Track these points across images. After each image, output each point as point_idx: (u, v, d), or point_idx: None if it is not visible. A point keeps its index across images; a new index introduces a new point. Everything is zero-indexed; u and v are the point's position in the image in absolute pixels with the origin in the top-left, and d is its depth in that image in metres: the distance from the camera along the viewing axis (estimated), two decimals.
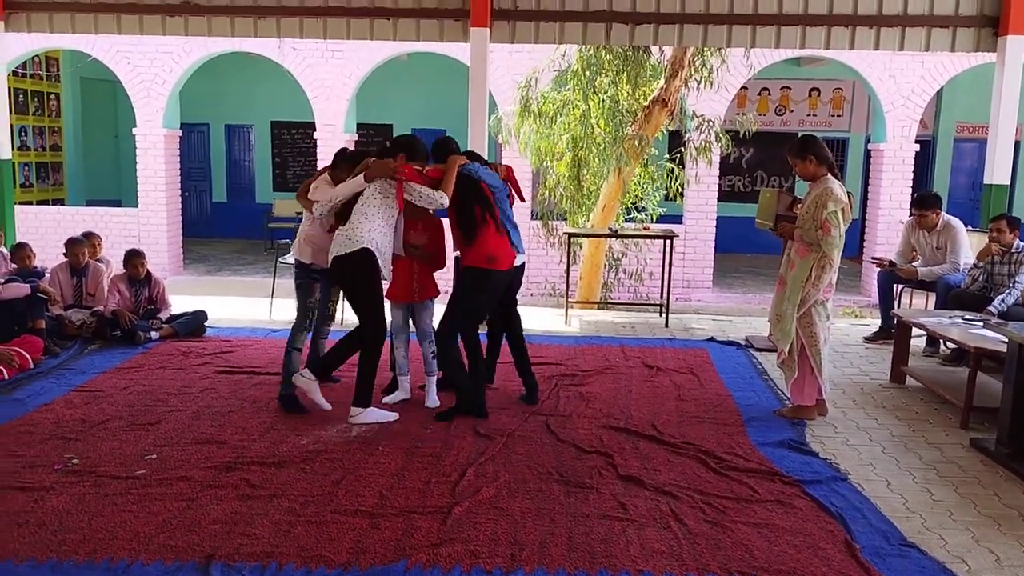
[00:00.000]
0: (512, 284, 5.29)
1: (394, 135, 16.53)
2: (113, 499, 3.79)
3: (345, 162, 5.06)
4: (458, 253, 5.11)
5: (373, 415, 4.90)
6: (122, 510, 3.68)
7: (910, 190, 12.51)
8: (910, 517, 3.81)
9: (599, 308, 9.68)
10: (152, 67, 12.84)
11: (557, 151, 9.98)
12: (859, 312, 10.66)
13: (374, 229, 4.76)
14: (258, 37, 8.41)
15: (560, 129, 9.83)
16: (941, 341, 6.61)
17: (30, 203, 13.74)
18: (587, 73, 9.64)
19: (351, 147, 13.07)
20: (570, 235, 8.45)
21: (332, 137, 13.00)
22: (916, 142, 12.68)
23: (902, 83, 12.43)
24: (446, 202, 4.79)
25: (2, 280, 6.50)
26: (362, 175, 4.76)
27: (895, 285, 7.43)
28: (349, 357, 5.00)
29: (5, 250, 7.35)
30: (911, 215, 7.38)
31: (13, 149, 11.20)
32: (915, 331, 6.13)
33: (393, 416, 4.95)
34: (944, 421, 5.23)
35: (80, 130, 15.80)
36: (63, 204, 14.71)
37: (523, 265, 5.34)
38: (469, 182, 4.91)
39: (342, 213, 4.87)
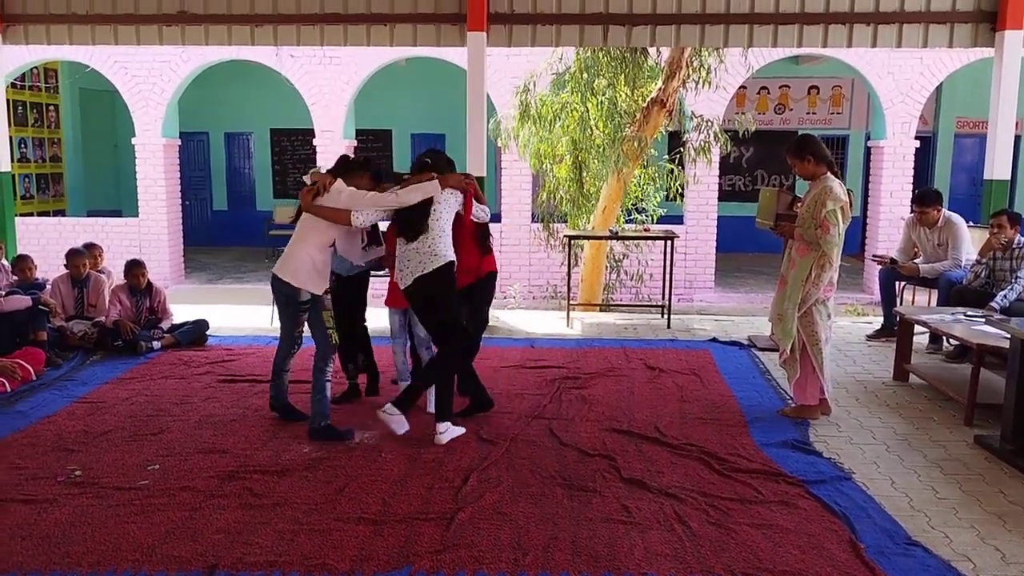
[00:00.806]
0: None
1: (393, 140, 16.57)
2: (116, 510, 3.78)
3: (360, 169, 4.91)
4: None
5: (454, 431, 4.75)
6: (125, 521, 3.67)
7: (911, 187, 12.48)
8: (915, 515, 3.80)
9: (601, 310, 9.67)
10: (150, 77, 12.85)
11: (557, 154, 9.98)
12: (861, 310, 10.64)
13: (449, 244, 4.73)
14: (255, 45, 8.42)
15: (559, 132, 9.82)
16: (944, 338, 6.58)
17: (31, 215, 13.76)
18: (585, 75, 9.64)
19: (351, 153, 13.13)
20: (571, 237, 8.45)
21: (331, 143, 13.00)
22: (916, 138, 12.66)
23: (901, 80, 12.41)
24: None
25: (3, 292, 6.51)
26: (436, 183, 4.64)
27: (897, 282, 7.42)
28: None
29: (6, 262, 7.35)
30: (912, 212, 7.37)
31: (13, 161, 11.22)
32: (918, 328, 6.12)
33: (461, 430, 4.82)
34: (948, 418, 5.21)
35: (80, 141, 15.81)
36: (64, 215, 14.72)
37: None
38: None
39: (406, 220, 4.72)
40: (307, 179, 4.85)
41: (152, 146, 13.00)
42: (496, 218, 6.70)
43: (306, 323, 4.93)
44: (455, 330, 4.73)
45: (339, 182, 4.80)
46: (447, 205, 4.73)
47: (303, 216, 4.85)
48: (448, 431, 4.70)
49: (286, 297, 4.84)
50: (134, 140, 13.09)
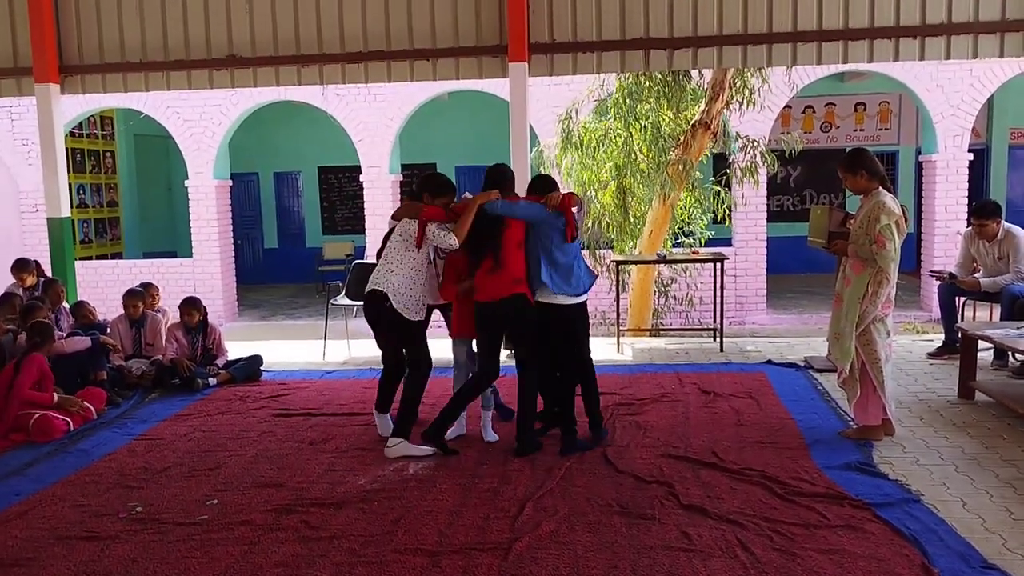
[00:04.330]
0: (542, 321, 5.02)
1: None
2: (177, 546, 3.82)
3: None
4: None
5: (411, 449, 4.94)
6: (186, 556, 3.70)
7: (966, 200, 12.21)
8: (989, 538, 3.65)
9: (651, 335, 9.58)
10: (201, 120, 13.20)
11: (601, 180, 9.97)
12: (920, 328, 10.38)
13: (392, 272, 4.93)
14: (302, 85, 8.58)
15: (603, 158, 9.82)
16: (1010, 353, 6.38)
17: (90, 258, 14.15)
18: (627, 101, 9.64)
19: (397, 188, 13.31)
20: (618, 263, 8.40)
21: (378, 179, 13.19)
22: (969, 151, 12.39)
23: (951, 92, 12.20)
24: (455, 244, 4.84)
25: (64, 334, 6.68)
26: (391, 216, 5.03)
27: (957, 297, 7.22)
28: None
29: (67, 306, 7.55)
30: (969, 225, 7.19)
31: (72, 207, 11.56)
32: (981, 344, 5.94)
33: (428, 450, 4.93)
34: (1019, 436, 5.03)
35: (135, 185, 16.27)
36: (121, 258, 15.11)
37: (570, 306, 4.98)
38: (488, 220, 4.86)
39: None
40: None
41: (204, 188, 13.32)
42: None
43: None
44: (404, 361, 5.12)
45: None
46: (400, 235, 4.99)
47: None
48: (397, 446, 4.93)
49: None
50: (187, 183, 13.44)
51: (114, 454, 5.25)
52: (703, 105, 9.47)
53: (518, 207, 4.93)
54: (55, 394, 5.82)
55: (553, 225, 4.93)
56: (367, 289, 5.01)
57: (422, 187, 5.09)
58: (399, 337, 5.08)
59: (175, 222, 16.97)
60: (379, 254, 5.14)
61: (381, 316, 5.00)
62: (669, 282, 10.91)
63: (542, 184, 5.15)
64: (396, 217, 5.05)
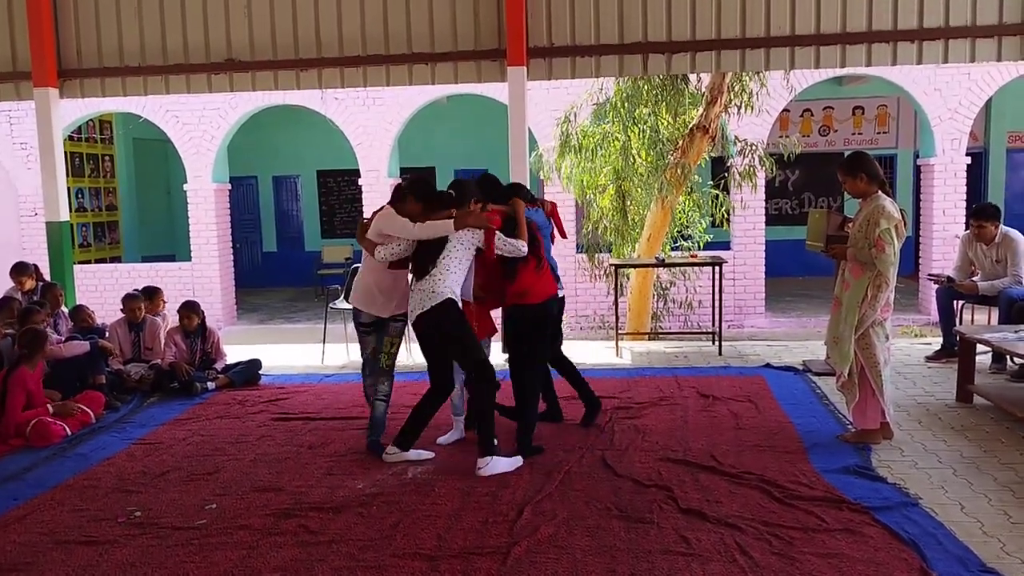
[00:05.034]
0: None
1: (436, 177, 16.71)
2: (175, 550, 3.82)
3: (409, 193, 4.95)
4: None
5: (501, 464, 4.70)
6: (184, 561, 3.70)
7: (964, 204, 12.23)
8: (988, 541, 3.66)
9: (650, 339, 9.58)
10: (200, 124, 13.21)
11: (600, 184, 9.98)
12: (919, 331, 10.39)
13: (456, 281, 4.75)
14: (301, 89, 8.59)
15: (601, 162, 9.83)
16: (1008, 357, 6.39)
17: (88, 262, 14.14)
18: (626, 105, 9.66)
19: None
20: (617, 266, 8.40)
21: (376, 182, 13.19)
22: (967, 155, 12.41)
23: (948, 96, 12.22)
24: (525, 251, 4.81)
25: (63, 338, 6.68)
26: (450, 222, 4.66)
27: (955, 301, 7.23)
28: (429, 419, 4.98)
29: (66, 310, 7.54)
30: (968, 228, 7.20)
31: (71, 211, 11.55)
32: (980, 348, 5.94)
33: (517, 462, 4.78)
34: (1017, 440, 5.03)
35: (134, 189, 16.27)
36: (120, 262, 15.10)
37: (562, 298, 5.50)
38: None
39: (418, 258, 4.83)
40: None
41: (203, 192, 13.32)
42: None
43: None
44: (480, 366, 4.72)
45: (388, 211, 4.96)
46: (456, 244, 4.72)
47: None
48: (489, 464, 4.66)
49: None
50: (186, 186, 13.44)
51: (113, 458, 5.25)
52: (701, 109, 9.49)
53: (535, 213, 5.20)
54: (48, 407, 5.80)
55: (548, 228, 5.34)
56: (433, 302, 4.63)
57: (471, 190, 4.86)
58: (458, 340, 4.76)
59: (174, 226, 16.96)
60: (422, 260, 4.77)
61: (449, 321, 4.68)
62: (668, 286, 10.93)
63: (520, 191, 5.30)
64: (459, 227, 4.67)
